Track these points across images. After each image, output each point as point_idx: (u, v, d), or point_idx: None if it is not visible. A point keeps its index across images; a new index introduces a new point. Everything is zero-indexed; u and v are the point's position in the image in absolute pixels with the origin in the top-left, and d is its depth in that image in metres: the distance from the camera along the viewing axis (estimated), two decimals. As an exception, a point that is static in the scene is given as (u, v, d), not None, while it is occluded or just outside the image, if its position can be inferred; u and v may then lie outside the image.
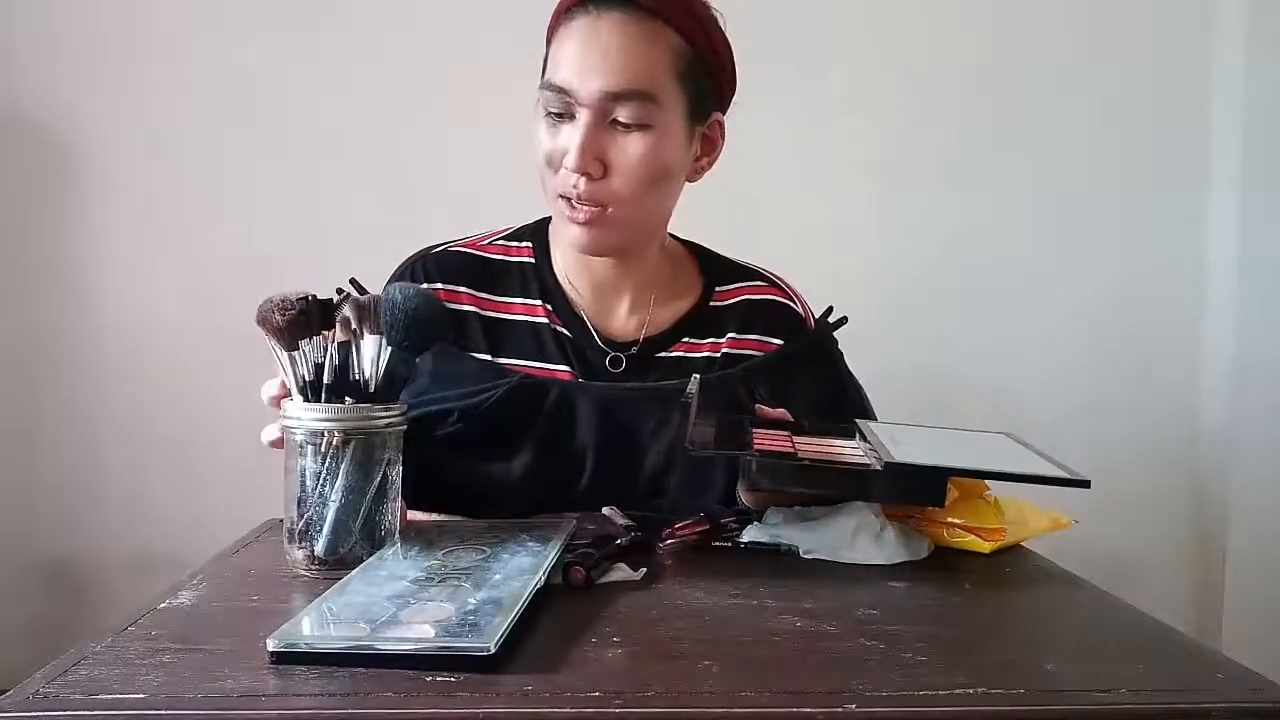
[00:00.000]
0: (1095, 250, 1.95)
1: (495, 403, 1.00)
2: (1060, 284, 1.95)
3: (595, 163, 0.95)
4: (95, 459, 1.89)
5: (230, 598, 0.74)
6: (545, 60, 1.02)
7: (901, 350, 1.83)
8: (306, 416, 0.78)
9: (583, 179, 0.96)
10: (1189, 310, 1.96)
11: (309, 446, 0.78)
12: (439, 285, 1.06)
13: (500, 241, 1.11)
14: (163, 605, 0.71)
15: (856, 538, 0.85)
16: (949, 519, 0.89)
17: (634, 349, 1.06)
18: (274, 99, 1.88)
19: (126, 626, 0.66)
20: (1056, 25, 1.92)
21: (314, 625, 0.61)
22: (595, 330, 1.06)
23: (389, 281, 1.05)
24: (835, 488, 0.85)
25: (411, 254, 1.12)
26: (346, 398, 0.79)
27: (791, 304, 1.13)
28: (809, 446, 0.91)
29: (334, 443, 0.77)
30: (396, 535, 0.81)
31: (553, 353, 1.05)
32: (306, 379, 0.79)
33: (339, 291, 0.88)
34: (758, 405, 0.99)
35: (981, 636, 0.69)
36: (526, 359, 1.04)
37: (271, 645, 0.58)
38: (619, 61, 0.94)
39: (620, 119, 0.95)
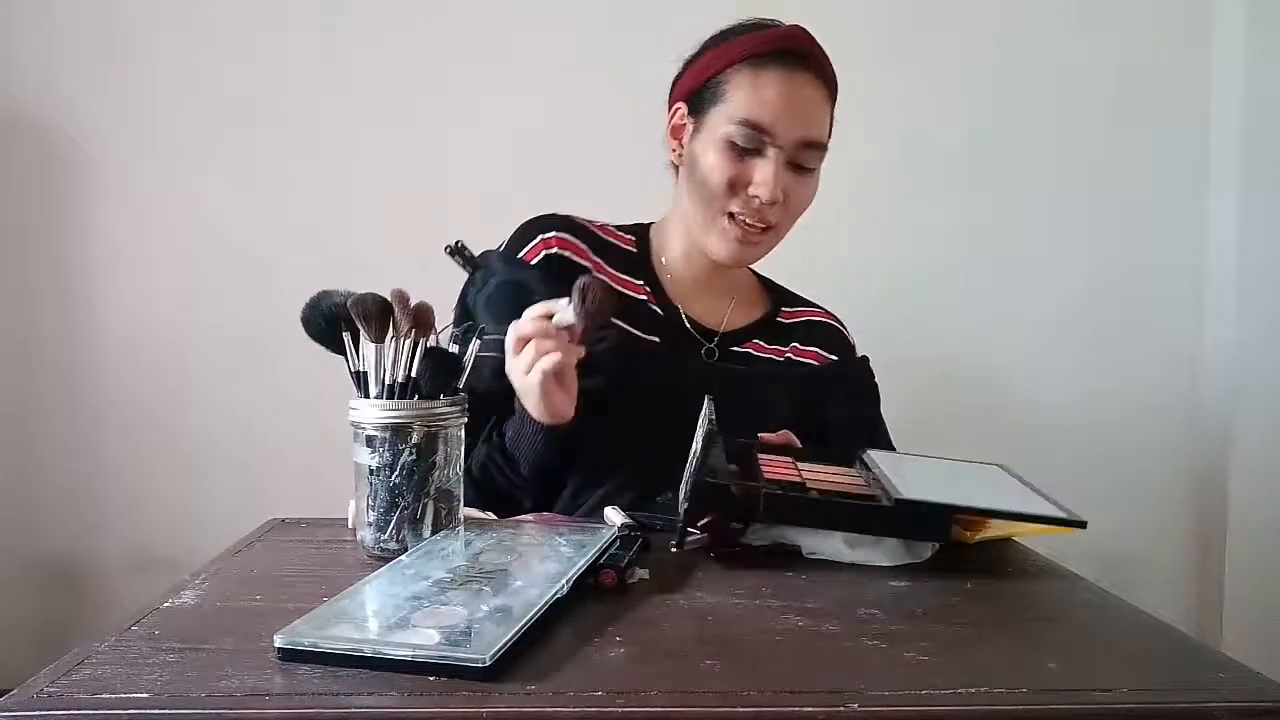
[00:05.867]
0: (1095, 250, 1.95)
1: (601, 352, 1.07)
2: (1060, 284, 1.95)
3: (782, 194, 1.10)
4: (95, 459, 1.90)
5: (233, 597, 0.74)
6: (713, 93, 1.12)
7: (902, 350, 1.83)
8: (381, 413, 0.82)
9: (766, 207, 1.10)
10: (1189, 310, 1.96)
11: (380, 440, 0.82)
12: (566, 236, 1.17)
13: (610, 227, 1.24)
14: (166, 605, 0.71)
15: (859, 539, 0.85)
16: None
17: (715, 340, 1.20)
18: (274, 99, 1.88)
19: (130, 626, 0.66)
20: (1057, 25, 1.93)
21: (321, 624, 0.61)
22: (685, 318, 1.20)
23: (511, 239, 1.17)
24: (843, 524, 0.85)
25: (533, 216, 1.20)
26: (416, 395, 0.84)
27: (845, 332, 1.30)
28: (814, 475, 0.91)
29: (413, 439, 0.82)
30: (439, 529, 0.83)
31: (649, 325, 1.17)
32: (385, 378, 0.83)
33: (457, 250, 1.05)
34: (759, 435, 1.04)
35: (983, 636, 0.69)
36: (626, 322, 1.15)
37: (278, 642, 0.59)
38: (813, 116, 1.11)
39: (802, 163, 1.11)
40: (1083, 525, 0.83)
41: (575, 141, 1.86)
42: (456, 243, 1.08)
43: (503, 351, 0.99)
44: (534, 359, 0.94)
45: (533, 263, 1.14)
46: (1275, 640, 1.78)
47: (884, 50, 1.91)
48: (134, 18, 1.87)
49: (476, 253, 1.10)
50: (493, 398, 1.05)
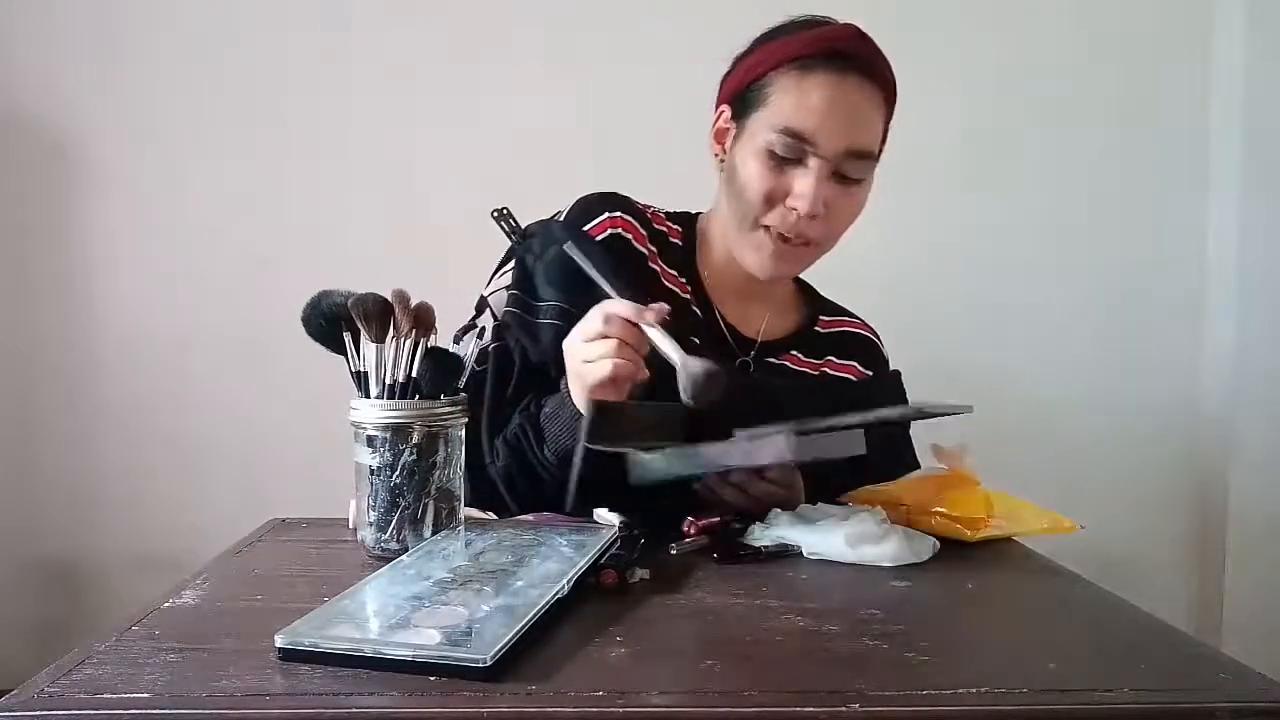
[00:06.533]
0: (1096, 250, 1.95)
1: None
2: (1060, 284, 1.95)
3: (823, 207, 1.03)
4: (95, 459, 1.89)
5: (234, 597, 0.74)
6: (756, 96, 1.06)
7: (902, 350, 1.83)
8: (382, 413, 0.82)
9: (805, 220, 1.04)
10: (1189, 310, 1.96)
11: (381, 440, 0.82)
12: (629, 219, 1.11)
13: (660, 214, 1.18)
14: (166, 605, 0.71)
15: (860, 539, 0.85)
16: (936, 508, 0.90)
17: (753, 350, 1.15)
18: (274, 99, 1.88)
19: (130, 626, 0.66)
20: (1057, 25, 1.93)
21: (322, 624, 0.61)
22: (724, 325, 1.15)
23: (572, 211, 1.12)
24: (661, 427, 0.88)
25: (595, 192, 1.15)
26: (416, 395, 0.84)
27: (880, 344, 1.26)
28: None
29: (413, 439, 0.82)
30: (439, 529, 0.83)
31: (689, 326, 1.11)
32: (386, 378, 0.83)
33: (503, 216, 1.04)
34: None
35: (984, 636, 0.69)
36: (673, 325, 1.08)
37: (279, 642, 0.59)
38: (861, 124, 1.04)
39: (848, 174, 1.04)
40: (968, 409, 0.84)
41: (576, 141, 1.86)
42: (503, 209, 1.08)
43: (563, 319, 0.98)
44: (609, 353, 0.89)
45: (598, 238, 1.09)
46: (1275, 640, 1.78)
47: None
48: (134, 18, 1.86)
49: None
50: (546, 370, 1.03)
